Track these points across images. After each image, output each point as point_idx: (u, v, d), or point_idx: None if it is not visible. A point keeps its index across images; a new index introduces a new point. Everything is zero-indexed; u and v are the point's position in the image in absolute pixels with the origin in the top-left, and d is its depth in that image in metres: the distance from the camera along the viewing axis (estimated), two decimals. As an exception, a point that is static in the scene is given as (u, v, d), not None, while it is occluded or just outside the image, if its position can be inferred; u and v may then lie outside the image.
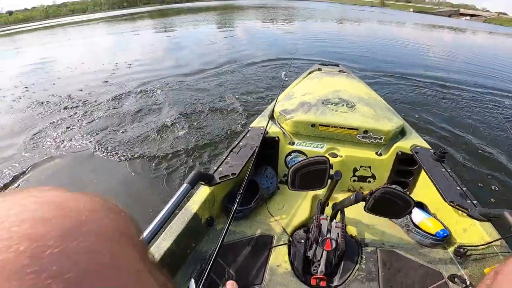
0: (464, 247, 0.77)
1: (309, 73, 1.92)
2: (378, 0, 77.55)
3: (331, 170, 0.69)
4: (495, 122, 2.60)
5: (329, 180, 0.71)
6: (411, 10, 60.53)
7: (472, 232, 0.79)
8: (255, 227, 0.88)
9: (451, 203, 0.80)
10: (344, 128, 1.10)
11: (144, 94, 3.38)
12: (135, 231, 0.20)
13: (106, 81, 4.03)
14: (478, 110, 2.92)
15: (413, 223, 0.86)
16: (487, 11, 70.62)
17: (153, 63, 5.05)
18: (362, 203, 0.73)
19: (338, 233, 0.75)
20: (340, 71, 1.97)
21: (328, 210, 0.83)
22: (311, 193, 1.01)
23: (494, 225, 0.77)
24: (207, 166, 1.97)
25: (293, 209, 0.95)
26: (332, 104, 1.23)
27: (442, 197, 0.83)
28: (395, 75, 4.07)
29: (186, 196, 0.74)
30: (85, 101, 3.29)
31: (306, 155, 1.08)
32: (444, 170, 0.93)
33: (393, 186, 0.86)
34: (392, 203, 0.65)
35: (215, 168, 0.92)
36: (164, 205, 0.68)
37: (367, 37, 9.10)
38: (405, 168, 1.05)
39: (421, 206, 0.91)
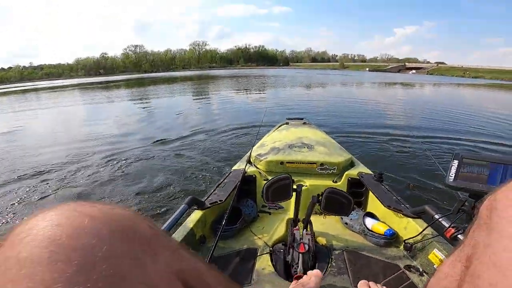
0: (409, 242, 0.96)
1: (279, 126, 2.31)
2: (339, 63, 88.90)
3: (293, 185, 0.89)
4: (425, 162, 3.24)
5: (294, 193, 0.90)
6: (367, 69, 69.16)
7: (411, 228, 1.01)
8: (241, 243, 1.04)
9: (389, 207, 1.07)
10: (306, 163, 1.39)
11: (108, 167, 3.25)
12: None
13: (70, 154, 3.83)
14: (411, 152, 3.58)
15: (368, 228, 1.06)
16: (428, 62, 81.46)
17: (123, 133, 5.05)
18: (331, 221, 1.07)
19: (309, 239, 0.91)
20: (304, 123, 2.41)
21: (300, 225, 0.99)
22: (287, 217, 1.19)
23: (424, 219, 1.00)
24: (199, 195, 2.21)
25: (272, 229, 1.13)
26: (296, 147, 1.56)
27: (383, 204, 1.09)
28: (355, 132, 4.77)
29: (183, 216, 0.93)
30: (41, 173, 3.07)
31: None
32: (383, 187, 1.23)
33: (338, 189, 0.96)
34: (338, 201, 0.82)
35: (206, 197, 1.12)
36: (165, 222, 0.84)
37: (331, 98, 10.45)
38: (357, 190, 1.32)
39: (372, 215, 1.15)
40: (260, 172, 1.41)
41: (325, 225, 1.15)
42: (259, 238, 1.06)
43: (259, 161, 1.46)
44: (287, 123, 2.39)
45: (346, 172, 1.35)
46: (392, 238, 1.01)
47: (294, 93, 12.07)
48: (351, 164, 1.50)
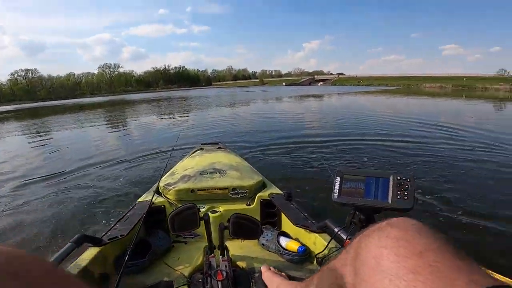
0: (319, 256, 1.01)
1: (193, 153, 2.25)
2: (259, 80, 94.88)
3: (199, 213, 0.89)
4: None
5: (202, 221, 0.90)
6: (284, 84, 75.89)
7: (319, 243, 1.06)
8: (154, 277, 1.00)
9: (297, 225, 1.13)
10: (217, 189, 1.39)
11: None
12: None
13: None
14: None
15: (282, 247, 1.11)
16: (331, 73, 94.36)
17: (14, 170, 4.35)
18: (248, 244, 1.09)
19: (226, 265, 0.91)
20: (219, 147, 2.39)
21: (217, 252, 0.98)
22: (204, 244, 1.15)
23: (328, 233, 1.05)
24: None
25: (189, 259, 1.10)
26: (208, 173, 1.54)
27: (291, 222, 1.16)
28: (273, 145, 4.99)
29: (73, 254, 0.86)
30: None
31: None
32: (292, 205, 1.30)
33: (244, 214, 1.01)
34: (246, 226, 0.86)
35: (104, 233, 1.06)
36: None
37: (254, 114, 10.94)
38: (270, 210, 1.37)
39: (285, 234, 1.21)
40: (170, 202, 1.38)
41: (243, 249, 1.16)
42: (175, 270, 1.03)
43: (168, 190, 1.41)
44: (201, 149, 2.36)
45: (258, 194, 1.39)
46: (305, 255, 1.06)
47: (220, 114, 12.04)
48: (263, 186, 1.53)
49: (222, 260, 0.93)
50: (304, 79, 79.48)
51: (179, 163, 1.98)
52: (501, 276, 0.67)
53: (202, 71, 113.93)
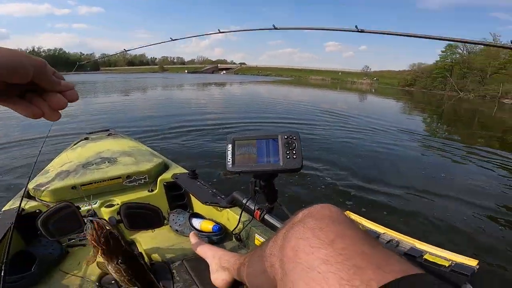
0: (235, 232, 0.98)
1: (74, 144, 1.95)
2: (158, 66, 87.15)
3: (81, 211, 0.80)
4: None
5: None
6: (186, 71, 72.96)
7: (232, 218, 1.03)
8: (52, 287, 0.89)
9: (206, 203, 1.08)
10: (108, 180, 1.23)
11: None
12: None
13: None
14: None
15: (196, 229, 1.05)
16: (234, 63, 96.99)
17: None
18: (161, 232, 0.96)
19: None
20: (109, 134, 2.12)
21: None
22: None
23: (239, 206, 1.01)
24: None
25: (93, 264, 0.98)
26: (93, 164, 1.35)
27: (199, 201, 1.10)
28: (175, 131, 4.78)
29: None
30: None
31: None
32: (199, 183, 1.23)
33: (137, 202, 0.98)
34: (144, 215, 0.80)
35: None
36: None
37: (153, 101, 10.08)
38: (177, 193, 1.28)
39: (198, 215, 1.14)
40: (48, 205, 1.14)
41: (156, 239, 1.06)
42: (77, 276, 0.90)
43: (41, 192, 1.19)
44: (86, 138, 2.05)
45: (159, 178, 1.28)
46: (221, 233, 1.02)
47: (112, 100, 10.35)
48: (165, 168, 1.41)
49: None
50: (207, 67, 78.64)
51: (55, 159, 1.68)
52: (422, 243, 0.67)
53: (87, 54, 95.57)
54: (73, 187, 1.19)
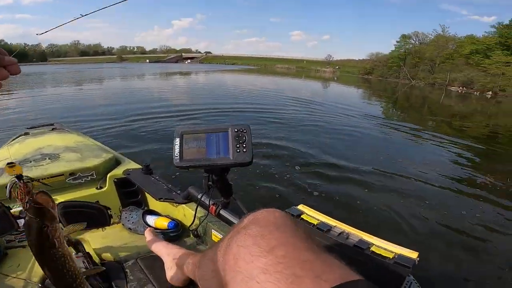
0: (192, 227, 0.95)
1: (12, 141, 1.83)
2: (116, 56, 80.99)
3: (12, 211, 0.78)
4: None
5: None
6: (147, 60, 68.83)
7: (188, 214, 1.01)
8: None
9: (161, 199, 1.03)
10: (47, 178, 1.15)
11: None
12: None
13: None
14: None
15: (151, 226, 1.01)
16: (199, 52, 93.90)
17: None
18: (113, 231, 0.93)
19: (83, 261, 0.80)
20: (53, 129, 1.99)
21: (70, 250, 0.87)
22: None
23: (195, 201, 0.99)
24: None
25: (33, 263, 0.92)
26: (31, 161, 1.26)
27: (153, 197, 1.05)
28: (128, 122, 4.59)
29: None
30: None
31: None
32: (153, 178, 1.17)
33: (77, 201, 0.94)
34: (85, 214, 0.76)
35: None
36: None
37: (108, 92, 9.46)
38: (130, 189, 1.22)
39: (153, 212, 1.10)
40: None
41: (108, 238, 1.00)
42: (19, 278, 0.85)
43: None
44: (26, 134, 1.92)
45: (109, 174, 1.22)
46: (177, 229, 0.99)
47: (61, 92, 9.49)
48: (116, 163, 1.34)
49: (77, 257, 0.79)
50: (171, 57, 75.03)
51: None
52: (370, 236, 0.68)
53: (32, 45, 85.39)
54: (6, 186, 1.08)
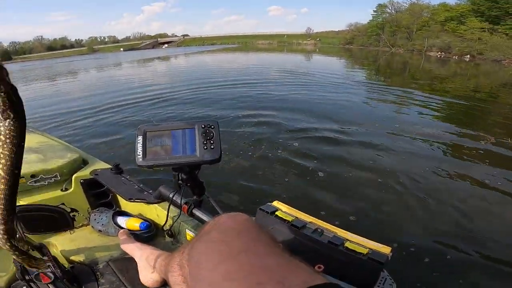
0: (165, 227, 0.94)
1: None
2: (86, 47, 76.39)
3: None
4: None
5: None
6: (121, 49, 65.40)
7: (161, 214, 0.99)
8: None
9: (131, 199, 1.00)
10: None
11: None
12: None
13: None
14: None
15: (122, 227, 1.01)
16: (176, 36, 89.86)
17: None
18: (82, 233, 0.91)
19: (49, 265, 0.77)
20: None
21: (35, 253, 0.84)
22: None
23: (167, 201, 0.96)
24: None
25: None
26: None
27: (123, 198, 1.03)
28: (99, 117, 4.39)
29: None
30: None
31: None
32: (123, 178, 1.14)
33: (34, 204, 0.91)
34: (44, 217, 0.75)
35: None
36: None
37: (74, 87, 8.83)
38: (101, 190, 1.19)
39: (124, 213, 1.10)
40: None
41: (77, 241, 1.00)
42: None
43: None
44: None
45: (75, 175, 1.17)
46: (150, 230, 0.98)
47: (22, 91, 8.18)
48: (83, 163, 1.30)
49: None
50: (146, 43, 71.61)
51: None
52: (343, 231, 0.67)
53: (-9, 45, 78.88)
54: None
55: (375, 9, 37.08)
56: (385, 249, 0.60)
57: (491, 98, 5.94)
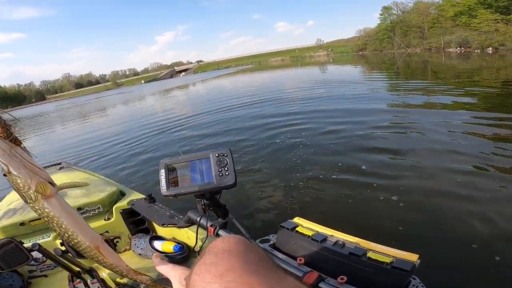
0: (196, 249, 0.99)
1: None
2: (111, 82, 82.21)
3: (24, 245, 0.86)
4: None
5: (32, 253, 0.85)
6: (143, 81, 69.73)
7: (191, 236, 1.06)
8: None
9: (164, 225, 1.12)
10: None
11: None
12: None
13: None
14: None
15: (158, 251, 1.08)
16: (191, 62, 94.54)
17: None
18: (125, 257, 1.02)
19: (98, 287, 0.87)
20: (61, 168, 2.11)
21: (86, 276, 0.92)
22: (67, 274, 1.01)
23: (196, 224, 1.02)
24: None
25: None
26: None
27: (157, 224, 1.14)
28: (134, 153, 4.51)
29: None
30: None
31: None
32: (156, 206, 1.27)
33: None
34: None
35: None
36: None
37: (107, 124, 9.27)
38: (136, 218, 1.32)
39: (160, 238, 1.19)
40: None
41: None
42: None
43: None
44: None
45: (115, 206, 1.31)
46: (183, 252, 1.04)
47: (62, 131, 9.55)
48: (121, 195, 1.45)
49: (92, 283, 0.88)
50: (164, 72, 75.80)
51: (4, 198, 1.73)
52: (366, 241, 0.69)
53: (26, 85, 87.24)
54: (21, 223, 1.24)
55: (381, 12, 36.79)
56: (412, 257, 0.60)
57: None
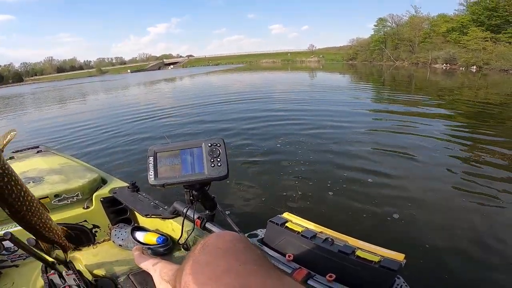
0: (181, 241, 0.98)
1: None
2: (96, 69, 79.23)
3: None
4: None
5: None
6: (129, 71, 67.71)
7: (176, 228, 1.05)
8: None
9: (147, 215, 1.06)
10: None
11: None
12: None
13: None
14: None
15: (140, 242, 1.05)
16: (181, 56, 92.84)
17: None
18: (104, 248, 1.01)
19: (74, 278, 0.81)
20: (38, 151, 2.00)
21: (62, 267, 0.86)
22: (38, 266, 0.99)
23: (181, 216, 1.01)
24: None
25: (25, 283, 0.98)
26: None
27: (140, 214, 1.09)
28: (116, 138, 4.42)
29: None
30: None
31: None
32: (140, 196, 1.21)
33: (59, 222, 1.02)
34: (71, 234, 0.80)
35: None
36: None
37: (87, 109, 8.97)
38: (119, 207, 1.25)
39: (142, 228, 1.15)
40: None
41: (99, 255, 1.06)
42: None
43: None
44: (11, 158, 1.92)
45: (95, 193, 1.25)
46: (167, 244, 1.02)
47: (39, 114, 8.99)
48: (102, 182, 1.38)
49: (67, 275, 0.81)
50: (152, 64, 74.00)
51: None
52: (354, 240, 0.68)
53: (5, 65, 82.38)
54: None
55: (375, 23, 37.92)
56: (399, 257, 0.61)
57: None
